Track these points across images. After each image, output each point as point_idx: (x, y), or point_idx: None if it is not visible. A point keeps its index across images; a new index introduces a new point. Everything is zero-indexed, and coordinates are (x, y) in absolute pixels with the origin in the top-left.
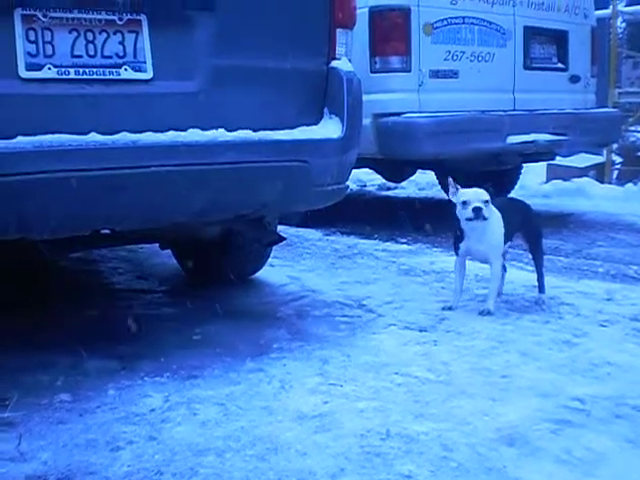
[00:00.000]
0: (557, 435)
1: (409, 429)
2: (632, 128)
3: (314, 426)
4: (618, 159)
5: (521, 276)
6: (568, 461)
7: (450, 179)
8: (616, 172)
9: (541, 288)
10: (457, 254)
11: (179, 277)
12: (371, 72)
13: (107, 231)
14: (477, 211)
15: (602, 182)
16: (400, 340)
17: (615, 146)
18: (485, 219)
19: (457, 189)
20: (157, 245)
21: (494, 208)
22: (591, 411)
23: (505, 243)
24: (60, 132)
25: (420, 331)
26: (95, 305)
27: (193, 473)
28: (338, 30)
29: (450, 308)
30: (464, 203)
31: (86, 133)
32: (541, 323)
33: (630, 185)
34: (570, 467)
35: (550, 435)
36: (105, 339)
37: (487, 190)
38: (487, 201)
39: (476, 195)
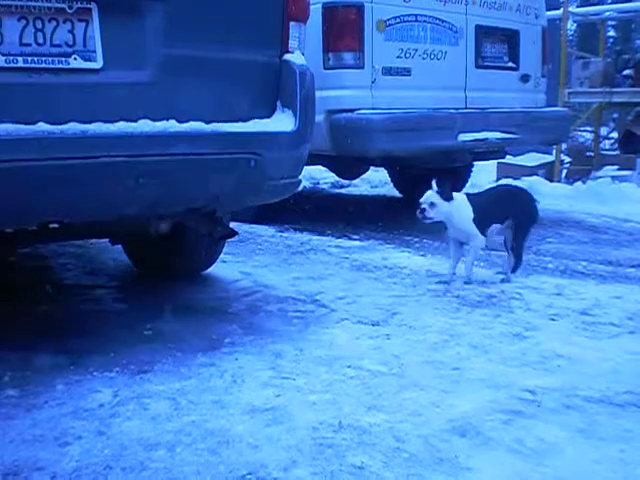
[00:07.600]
0: (509, 425)
1: (361, 421)
2: (581, 128)
3: (266, 419)
4: (567, 158)
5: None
6: (520, 451)
7: (433, 183)
8: (565, 171)
9: (514, 269)
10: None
11: (130, 273)
12: (324, 68)
13: (55, 225)
14: (422, 212)
15: (551, 181)
16: (353, 334)
17: (564, 146)
18: (429, 219)
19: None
20: (107, 241)
21: (463, 197)
22: (542, 402)
23: (489, 225)
24: (7, 121)
25: (373, 325)
26: (44, 301)
27: (143, 467)
28: (291, 23)
29: (446, 282)
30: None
31: (34, 122)
32: (492, 317)
33: (579, 184)
34: (522, 457)
35: (502, 426)
36: (54, 335)
37: (445, 188)
38: (432, 203)
39: (424, 197)
